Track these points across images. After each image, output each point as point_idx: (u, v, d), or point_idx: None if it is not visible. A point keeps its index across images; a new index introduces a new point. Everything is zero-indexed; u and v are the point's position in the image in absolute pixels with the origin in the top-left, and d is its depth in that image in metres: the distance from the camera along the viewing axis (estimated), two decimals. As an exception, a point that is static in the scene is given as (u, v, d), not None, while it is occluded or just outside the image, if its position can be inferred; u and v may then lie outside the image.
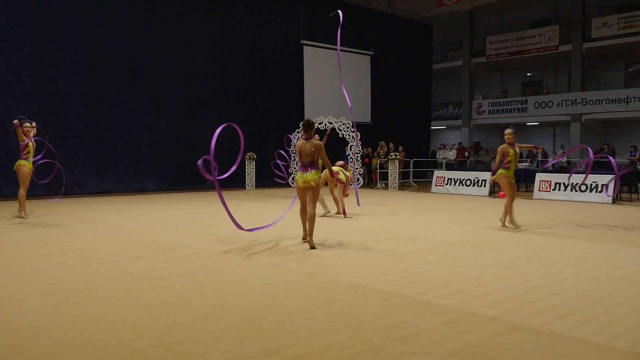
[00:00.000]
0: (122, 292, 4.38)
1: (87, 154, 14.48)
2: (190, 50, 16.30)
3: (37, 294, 4.28)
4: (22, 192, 9.12)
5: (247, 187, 17.04)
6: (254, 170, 17.16)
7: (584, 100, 22.69)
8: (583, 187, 13.05)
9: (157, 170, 15.78)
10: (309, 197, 6.60)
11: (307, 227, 6.60)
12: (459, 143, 24.01)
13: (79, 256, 5.89)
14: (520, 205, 12.02)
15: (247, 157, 17.02)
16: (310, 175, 6.48)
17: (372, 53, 21.16)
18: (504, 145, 8.33)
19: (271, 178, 18.15)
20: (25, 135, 9.06)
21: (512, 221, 8.26)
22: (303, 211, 6.74)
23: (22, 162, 9.06)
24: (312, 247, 6.39)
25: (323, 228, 8.18)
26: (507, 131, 8.35)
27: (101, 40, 14.53)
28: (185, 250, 6.26)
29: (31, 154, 9.16)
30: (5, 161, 12.97)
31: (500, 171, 8.30)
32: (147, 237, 7.28)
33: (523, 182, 16.66)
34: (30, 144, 9.12)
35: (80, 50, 14.18)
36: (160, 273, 5.06)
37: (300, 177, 6.54)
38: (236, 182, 17.05)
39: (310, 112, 18.70)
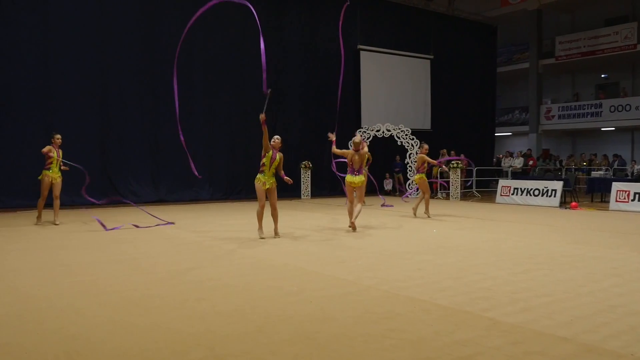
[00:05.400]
0: (177, 302, 4.39)
1: (142, 163, 14.65)
2: (244, 57, 16.07)
3: (93, 303, 4.35)
4: (40, 201, 9.63)
5: (302, 197, 16.78)
6: (309, 179, 16.95)
7: (666, 102, 21.27)
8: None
9: (211, 179, 15.74)
10: (356, 194, 8.69)
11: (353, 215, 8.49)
12: (528, 149, 23.14)
13: (135, 265, 5.99)
14: (597, 217, 11.37)
15: (303, 165, 16.73)
16: (359, 178, 8.57)
17: (432, 57, 20.67)
18: (422, 155, 10.77)
19: (327, 187, 17.84)
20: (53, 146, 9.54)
21: (426, 211, 10.74)
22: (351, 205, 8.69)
23: (44, 172, 9.54)
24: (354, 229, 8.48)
25: (380, 239, 8.03)
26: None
27: (157, 49, 14.72)
28: (239, 261, 6.26)
29: (54, 164, 9.53)
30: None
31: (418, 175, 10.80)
32: (202, 246, 7.33)
33: (598, 192, 15.69)
34: (55, 155, 9.50)
35: (136, 61, 14.46)
36: (215, 283, 5.05)
37: (351, 179, 8.58)
38: (291, 192, 16.75)
39: (367, 118, 18.46)
